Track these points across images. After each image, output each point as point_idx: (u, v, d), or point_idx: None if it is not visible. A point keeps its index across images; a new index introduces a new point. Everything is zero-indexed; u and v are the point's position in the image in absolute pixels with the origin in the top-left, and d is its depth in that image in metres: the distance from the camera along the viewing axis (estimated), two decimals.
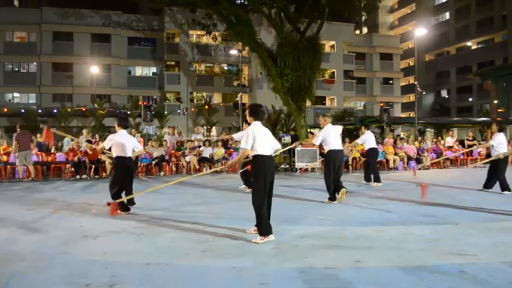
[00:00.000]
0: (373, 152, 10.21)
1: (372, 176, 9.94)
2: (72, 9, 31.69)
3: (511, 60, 41.14)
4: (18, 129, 11.56)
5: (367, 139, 10.11)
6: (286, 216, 6.03)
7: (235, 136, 9.01)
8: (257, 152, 4.57)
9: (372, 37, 41.05)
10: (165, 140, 15.33)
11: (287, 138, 14.95)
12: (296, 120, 17.29)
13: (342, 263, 3.73)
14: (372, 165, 10.13)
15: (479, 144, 15.32)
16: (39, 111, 29.76)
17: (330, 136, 7.24)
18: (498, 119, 27.38)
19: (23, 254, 4.08)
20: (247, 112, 4.86)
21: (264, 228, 4.50)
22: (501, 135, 8.42)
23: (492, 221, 5.55)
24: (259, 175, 4.54)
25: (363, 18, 47.17)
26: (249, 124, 4.81)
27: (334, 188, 7.18)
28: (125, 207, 6.26)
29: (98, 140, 14.61)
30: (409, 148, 15.46)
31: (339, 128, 7.55)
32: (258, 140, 4.58)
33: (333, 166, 7.16)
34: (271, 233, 4.53)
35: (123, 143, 6.41)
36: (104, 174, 12.37)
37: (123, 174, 6.45)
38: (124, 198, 6.23)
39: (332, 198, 7.19)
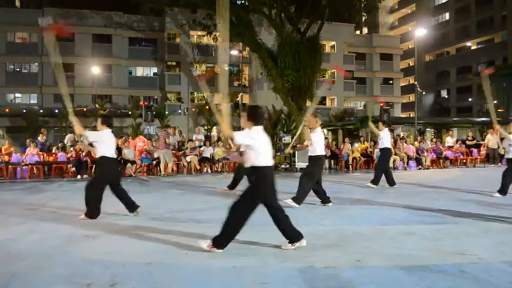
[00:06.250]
0: (387, 152, 9.49)
1: (373, 175, 9.31)
2: (73, 10, 31.75)
3: (511, 61, 41.13)
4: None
5: (385, 137, 9.36)
6: None
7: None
8: (260, 163, 4.06)
9: (372, 37, 41.06)
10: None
11: (287, 138, 14.97)
12: (296, 121, 17.32)
13: (342, 263, 3.73)
14: (379, 167, 9.45)
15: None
16: (41, 111, 29.82)
17: (322, 139, 6.77)
18: (498, 118, 27.35)
19: (24, 254, 4.09)
20: (244, 116, 4.28)
21: (226, 241, 4.07)
22: None
23: (493, 220, 5.55)
24: (258, 189, 4.10)
25: (363, 18, 47.15)
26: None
27: (320, 194, 6.81)
28: (95, 214, 5.75)
29: None
30: (408, 148, 15.48)
31: None
32: (262, 148, 4.06)
33: (320, 171, 6.78)
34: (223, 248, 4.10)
35: (109, 142, 5.94)
36: None
37: (107, 177, 5.85)
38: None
39: (299, 201, 6.52)
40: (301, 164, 13.61)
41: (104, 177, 5.89)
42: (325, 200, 6.87)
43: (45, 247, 4.40)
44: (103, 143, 5.85)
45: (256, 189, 4.11)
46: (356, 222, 5.56)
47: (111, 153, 5.94)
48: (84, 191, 5.80)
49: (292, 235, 4.20)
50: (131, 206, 6.01)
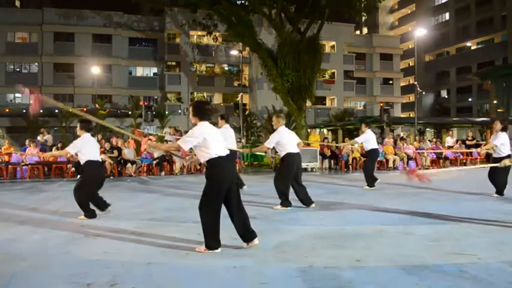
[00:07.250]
0: (374, 153, 9.33)
1: (365, 178, 9.16)
2: (73, 10, 31.76)
3: (511, 61, 41.11)
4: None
5: (369, 139, 9.17)
6: (286, 216, 6.05)
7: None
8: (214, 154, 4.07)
9: (372, 37, 41.06)
10: (166, 140, 15.36)
11: None
12: (296, 121, 17.34)
13: (342, 263, 3.74)
14: (368, 167, 9.30)
15: (481, 145, 15.06)
16: (41, 111, 29.77)
17: (285, 138, 6.58)
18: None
19: (24, 254, 4.10)
20: (191, 111, 4.28)
21: (213, 241, 4.06)
22: (504, 134, 7.58)
23: (492, 220, 5.55)
24: (214, 182, 4.07)
25: (363, 18, 47.21)
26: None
27: (301, 200, 6.65)
28: (93, 214, 5.89)
29: (100, 139, 14.60)
30: (408, 148, 15.49)
31: (292, 132, 7.02)
32: (210, 142, 4.06)
33: (291, 171, 6.52)
34: (219, 247, 4.09)
35: (92, 145, 5.98)
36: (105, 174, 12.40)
37: (94, 179, 5.94)
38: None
39: (286, 203, 6.54)
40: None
41: (91, 180, 5.91)
42: (304, 201, 6.68)
43: (45, 247, 4.41)
44: (85, 148, 5.87)
45: (214, 182, 4.08)
46: (356, 222, 5.56)
47: (95, 156, 5.96)
48: (73, 196, 5.85)
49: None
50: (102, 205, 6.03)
